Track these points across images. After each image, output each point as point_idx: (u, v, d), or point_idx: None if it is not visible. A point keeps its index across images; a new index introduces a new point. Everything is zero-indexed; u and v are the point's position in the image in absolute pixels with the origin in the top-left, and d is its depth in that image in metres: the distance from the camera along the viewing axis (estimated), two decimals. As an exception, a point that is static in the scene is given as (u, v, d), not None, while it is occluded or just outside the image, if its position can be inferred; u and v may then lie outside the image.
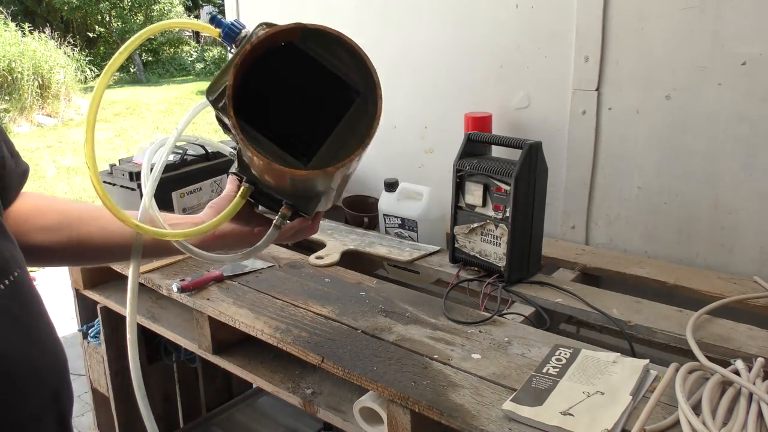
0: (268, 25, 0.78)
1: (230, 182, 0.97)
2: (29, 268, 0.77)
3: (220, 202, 0.95)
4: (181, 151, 1.69)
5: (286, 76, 0.81)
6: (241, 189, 0.86)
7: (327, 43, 0.75)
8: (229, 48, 0.85)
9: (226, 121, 0.77)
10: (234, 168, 0.88)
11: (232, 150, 0.96)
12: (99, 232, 0.90)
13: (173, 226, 0.89)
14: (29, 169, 0.88)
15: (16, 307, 0.69)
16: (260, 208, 0.94)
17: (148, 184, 0.89)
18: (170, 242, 0.86)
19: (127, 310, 0.88)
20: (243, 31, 0.82)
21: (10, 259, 0.71)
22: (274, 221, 0.88)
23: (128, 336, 0.89)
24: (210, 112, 0.84)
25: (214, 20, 0.84)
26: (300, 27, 0.73)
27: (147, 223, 0.85)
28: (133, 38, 0.79)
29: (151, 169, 0.90)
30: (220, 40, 0.85)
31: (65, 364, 0.77)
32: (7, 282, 0.69)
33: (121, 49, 0.79)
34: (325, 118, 0.79)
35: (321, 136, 0.78)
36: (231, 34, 0.82)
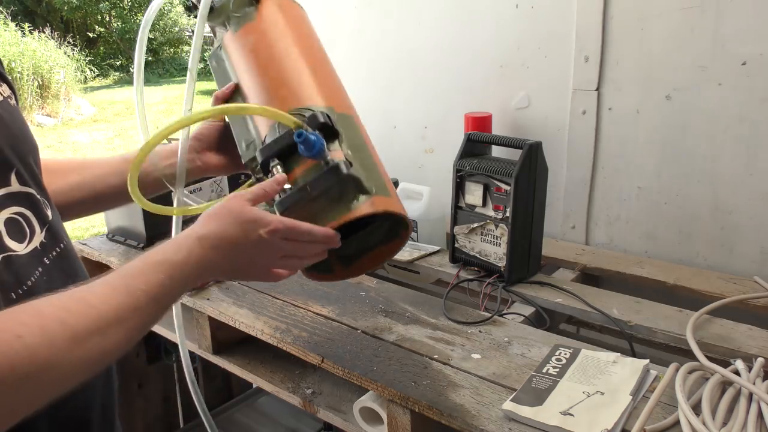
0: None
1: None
2: None
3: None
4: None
5: None
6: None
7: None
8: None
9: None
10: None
11: None
12: (92, 179, 0.98)
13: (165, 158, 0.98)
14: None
15: (63, 276, 0.72)
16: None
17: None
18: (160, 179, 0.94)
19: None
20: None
21: (60, 230, 0.77)
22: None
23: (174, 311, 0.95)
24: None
25: (300, 136, 0.79)
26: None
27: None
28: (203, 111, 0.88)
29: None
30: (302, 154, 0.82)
31: None
32: (58, 249, 0.73)
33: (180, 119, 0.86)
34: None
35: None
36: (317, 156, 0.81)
